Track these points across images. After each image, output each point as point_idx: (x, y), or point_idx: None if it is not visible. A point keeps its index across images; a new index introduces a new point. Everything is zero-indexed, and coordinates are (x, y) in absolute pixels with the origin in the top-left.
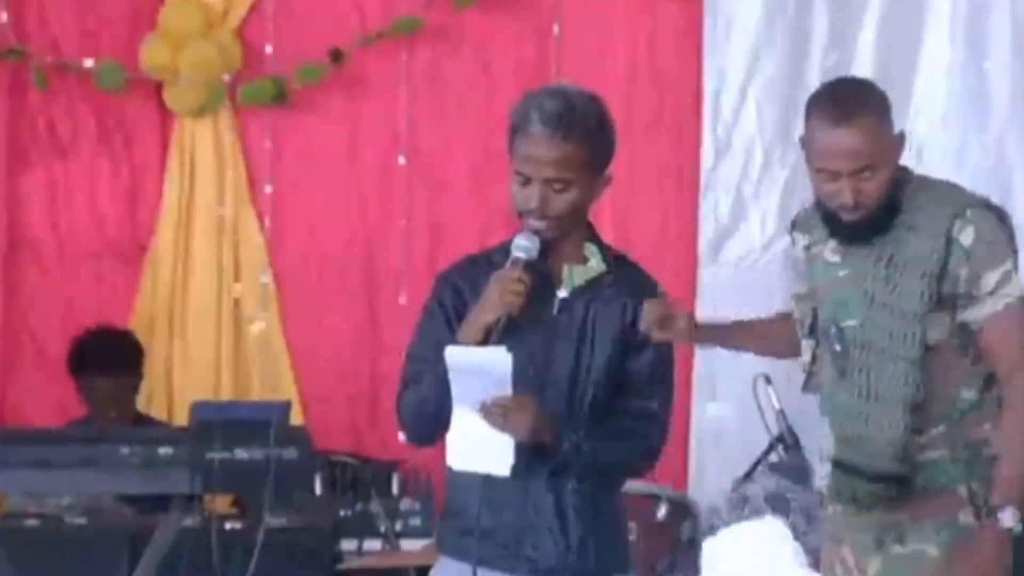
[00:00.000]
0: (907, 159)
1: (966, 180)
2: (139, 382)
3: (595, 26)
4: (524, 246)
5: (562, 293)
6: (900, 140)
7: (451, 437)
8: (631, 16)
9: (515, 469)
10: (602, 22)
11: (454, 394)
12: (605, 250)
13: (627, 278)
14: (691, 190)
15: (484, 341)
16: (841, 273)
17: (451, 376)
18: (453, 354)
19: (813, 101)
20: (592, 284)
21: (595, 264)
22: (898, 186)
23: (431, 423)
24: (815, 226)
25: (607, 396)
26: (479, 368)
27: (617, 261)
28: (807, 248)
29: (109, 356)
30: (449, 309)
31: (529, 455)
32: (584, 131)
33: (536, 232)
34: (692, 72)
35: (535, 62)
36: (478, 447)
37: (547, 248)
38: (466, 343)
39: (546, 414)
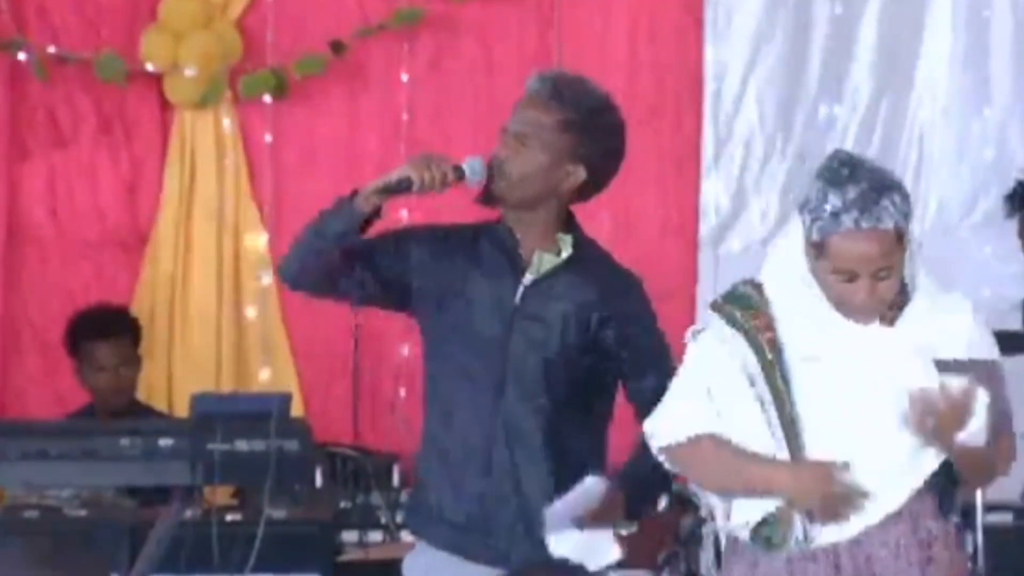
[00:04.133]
0: (909, 151)
1: (967, 171)
2: (138, 355)
3: (596, 15)
4: (472, 164)
5: (527, 280)
6: None
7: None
8: (632, 5)
9: (484, 468)
10: (603, 11)
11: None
12: (580, 241)
13: (595, 265)
14: (692, 180)
15: (380, 196)
16: None
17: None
18: (553, 514)
19: None
20: (559, 270)
21: (566, 254)
22: None
23: (304, 257)
24: None
25: (583, 380)
26: (576, 505)
27: (588, 250)
28: None
29: (106, 322)
30: (424, 234)
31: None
32: (568, 104)
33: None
34: (693, 62)
35: (536, 52)
36: (583, 546)
37: (518, 236)
38: (363, 193)
39: (620, 503)
